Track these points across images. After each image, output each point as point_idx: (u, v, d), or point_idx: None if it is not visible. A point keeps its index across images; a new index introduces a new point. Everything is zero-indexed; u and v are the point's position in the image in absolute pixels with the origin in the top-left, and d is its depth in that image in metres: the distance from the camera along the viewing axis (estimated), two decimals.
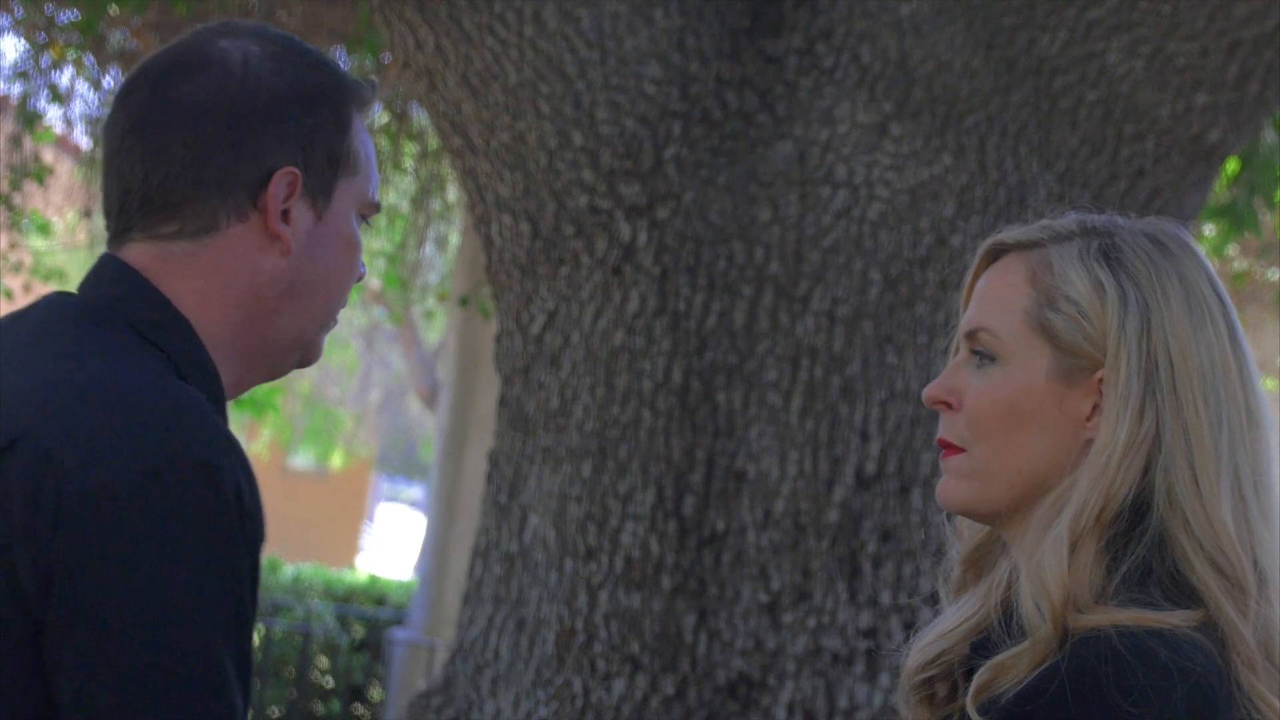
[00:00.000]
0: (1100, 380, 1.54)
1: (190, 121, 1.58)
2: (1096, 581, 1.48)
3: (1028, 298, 1.58)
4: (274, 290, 1.61)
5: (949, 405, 1.60)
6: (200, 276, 1.59)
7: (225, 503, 1.43)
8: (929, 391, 1.62)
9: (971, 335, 1.60)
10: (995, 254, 1.64)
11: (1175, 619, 1.44)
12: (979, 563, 1.64)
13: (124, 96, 1.64)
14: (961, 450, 1.59)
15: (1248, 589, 1.48)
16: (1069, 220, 1.62)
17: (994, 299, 1.60)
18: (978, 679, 1.50)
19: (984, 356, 1.59)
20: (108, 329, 1.55)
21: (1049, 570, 1.48)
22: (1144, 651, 1.40)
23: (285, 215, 1.60)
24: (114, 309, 1.57)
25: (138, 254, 1.61)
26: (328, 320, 1.69)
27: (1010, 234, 1.64)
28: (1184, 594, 1.47)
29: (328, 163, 1.63)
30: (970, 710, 1.48)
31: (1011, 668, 1.48)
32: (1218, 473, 1.50)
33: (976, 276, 1.65)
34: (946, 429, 1.60)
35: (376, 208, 1.70)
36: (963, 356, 1.61)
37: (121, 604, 1.39)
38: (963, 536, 1.67)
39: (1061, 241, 1.60)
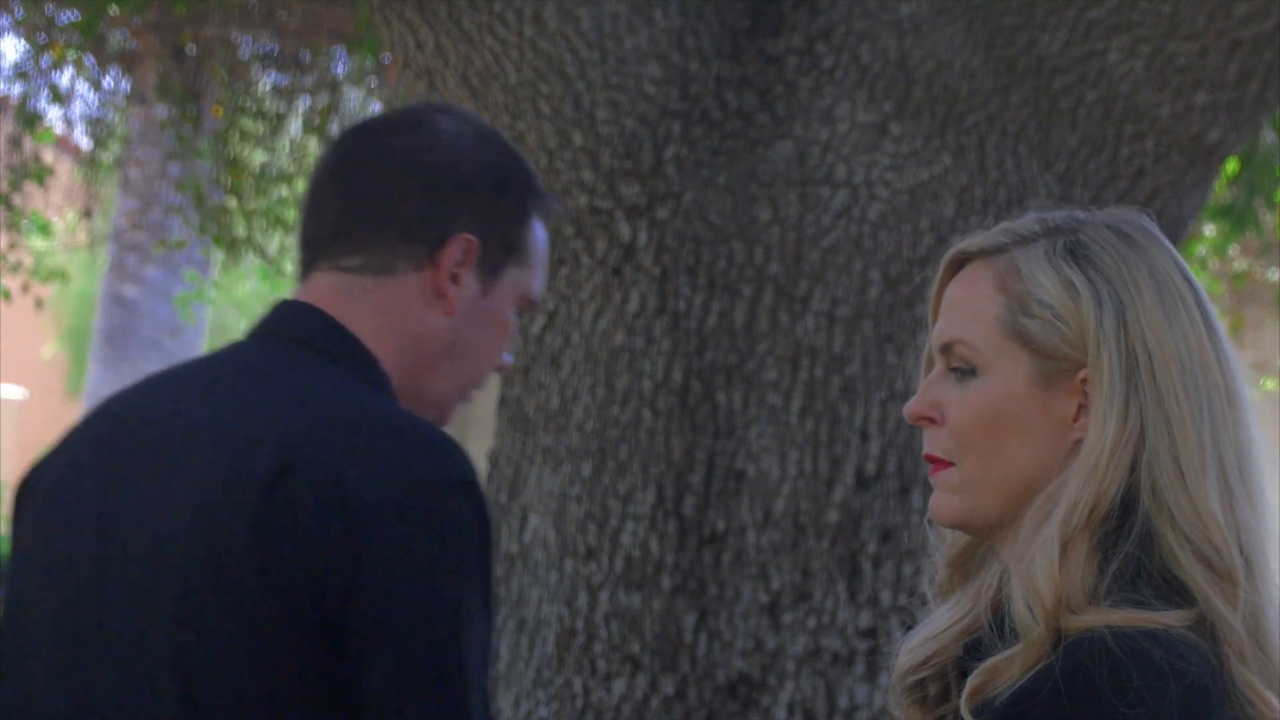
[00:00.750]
0: (1083, 380, 1.53)
1: (392, 169, 1.75)
2: (1089, 581, 1.47)
3: (999, 305, 1.57)
4: (435, 346, 1.75)
5: (932, 420, 1.59)
6: (376, 314, 1.74)
7: (484, 516, 1.62)
8: (911, 408, 1.60)
9: (947, 349, 1.59)
10: (959, 263, 1.63)
11: (1169, 619, 1.43)
12: (965, 565, 1.63)
13: (337, 144, 1.83)
14: (950, 464, 1.58)
15: (1236, 579, 1.47)
16: (1030, 221, 1.61)
17: (964, 309, 1.59)
18: (971, 682, 1.49)
19: (962, 369, 1.58)
20: (319, 362, 1.72)
21: (1040, 572, 1.48)
22: (1138, 652, 1.39)
23: (455, 279, 1.74)
24: (312, 344, 1.73)
25: (321, 285, 1.77)
26: (468, 391, 1.83)
27: (973, 241, 1.62)
28: (1175, 591, 1.47)
29: (503, 245, 1.78)
30: (964, 713, 1.48)
31: (1005, 670, 1.47)
32: (1203, 462, 1.49)
33: (942, 287, 1.64)
34: (932, 444, 1.59)
35: (534, 305, 1.87)
36: (940, 370, 1.60)
37: (414, 606, 1.57)
38: (945, 539, 1.66)
39: (1026, 244, 1.58)
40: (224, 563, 1.57)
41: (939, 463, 1.59)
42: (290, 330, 1.74)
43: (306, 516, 1.56)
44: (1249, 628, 1.47)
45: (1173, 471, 1.48)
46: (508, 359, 1.83)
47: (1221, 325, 1.57)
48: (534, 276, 1.83)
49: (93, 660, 1.61)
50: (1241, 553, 1.48)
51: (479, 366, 1.79)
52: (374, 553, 1.55)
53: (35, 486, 1.75)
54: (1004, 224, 1.62)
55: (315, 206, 1.78)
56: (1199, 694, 1.40)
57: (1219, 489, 1.49)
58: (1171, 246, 1.58)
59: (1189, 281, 1.55)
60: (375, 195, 1.74)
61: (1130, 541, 1.48)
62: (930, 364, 1.63)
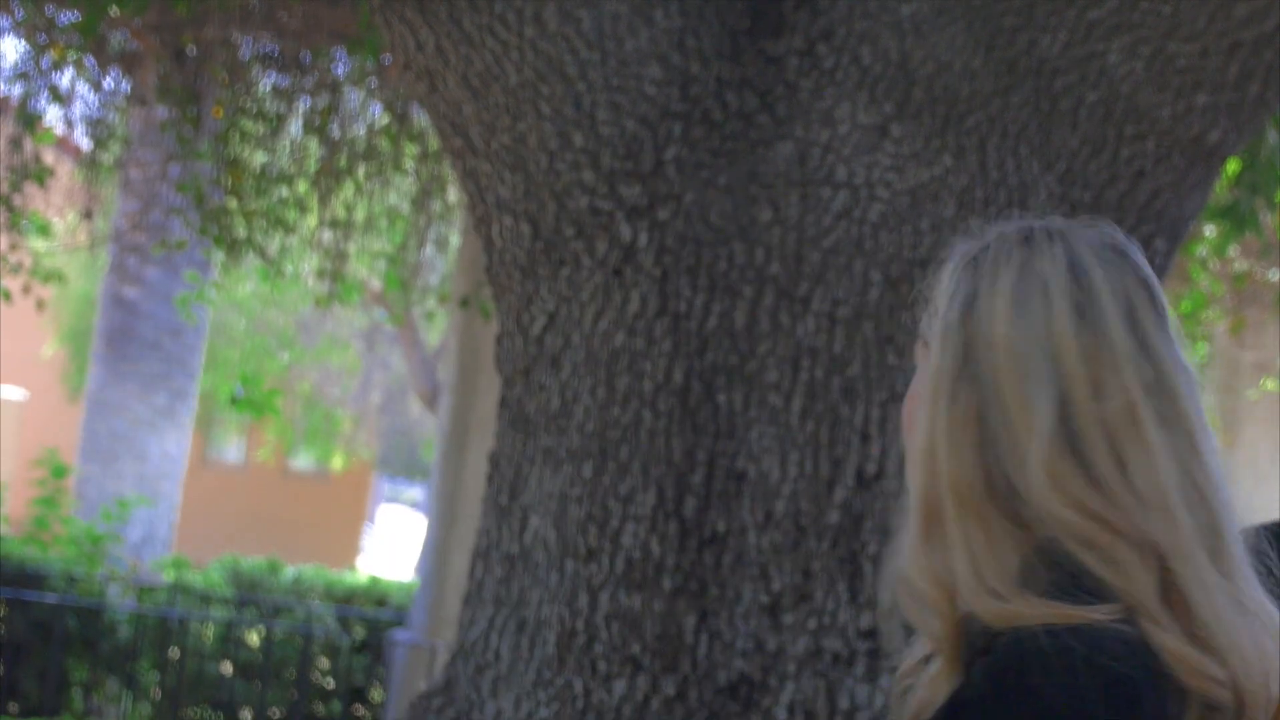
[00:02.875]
0: None
1: None
2: (995, 569, 1.48)
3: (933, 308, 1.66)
4: None
5: None
6: None
7: None
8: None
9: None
10: None
11: (1099, 613, 1.43)
12: None
13: None
14: None
15: (1118, 559, 1.47)
16: (1001, 225, 1.67)
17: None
18: (915, 700, 1.51)
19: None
20: None
21: (909, 568, 1.53)
22: (1063, 649, 1.40)
23: None
24: None
25: None
26: None
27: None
28: (1085, 575, 1.48)
29: None
30: None
31: (937, 680, 1.50)
32: (1051, 447, 1.50)
33: None
34: None
35: None
36: None
37: None
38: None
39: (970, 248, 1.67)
40: None
41: None
42: None
43: None
44: (1160, 595, 1.46)
45: (1012, 457, 1.51)
46: None
47: (1116, 323, 1.55)
48: None
49: None
50: (1118, 532, 1.48)
51: None
52: None
53: None
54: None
55: None
56: (1125, 688, 1.40)
57: (1077, 473, 1.50)
58: (1082, 250, 1.58)
59: (1078, 279, 1.56)
60: None
61: (1006, 527, 1.51)
62: None
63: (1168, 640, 1.43)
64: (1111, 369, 1.51)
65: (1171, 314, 1.58)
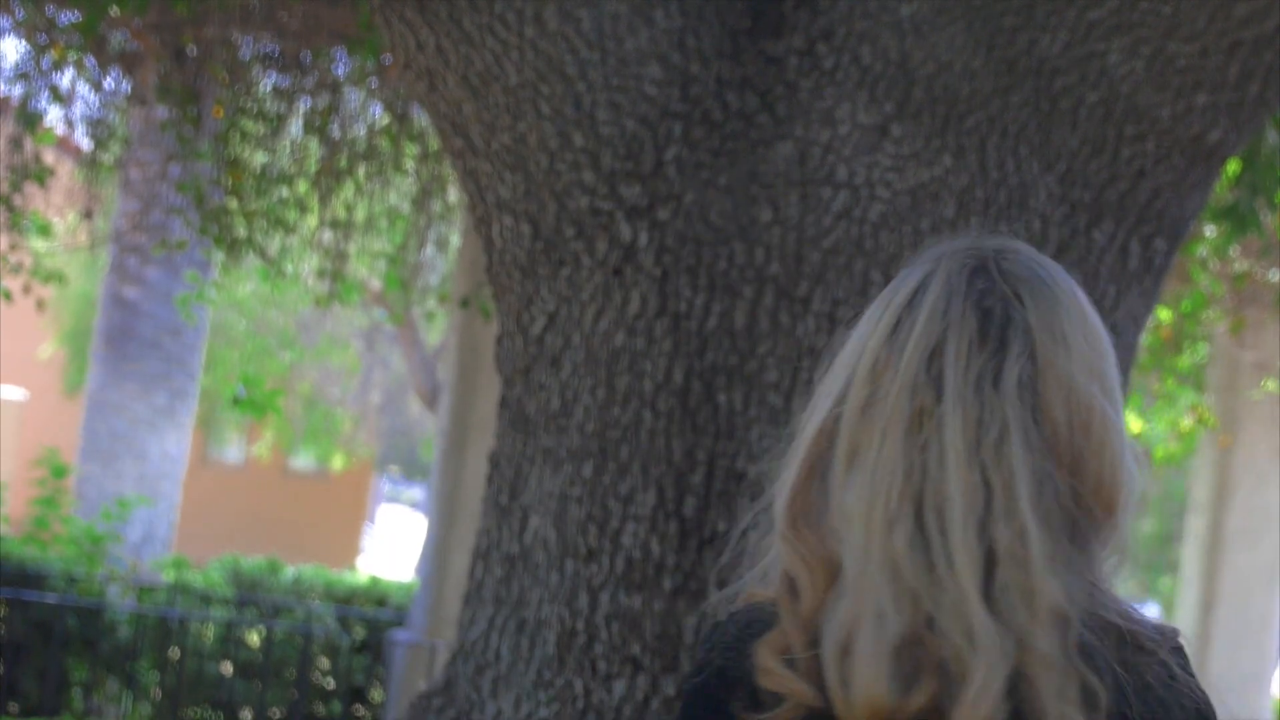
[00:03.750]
0: None
1: None
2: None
3: None
4: None
5: None
6: None
7: None
8: None
9: None
10: None
11: (772, 594, 1.52)
12: None
13: None
14: None
15: (794, 571, 1.53)
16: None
17: None
18: None
19: None
20: None
21: None
22: (716, 627, 1.52)
23: None
24: None
25: None
26: None
27: None
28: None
29: None
30: None
31: None
32: (803, 458, 1.56)
33: None
34: None
35: None
36: None
37: None
38: None
39: None
40: None
41: None
42: None
43: None
44: (808, 614, 1.49)
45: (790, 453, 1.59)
46: None
47: (914, 348, 1.53)
48: None
49: None
50: (795, 546, 1.52)
51: None
52: None
53: None
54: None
55: None
56: (725, 668, 1.49)
57: (812, 485, 1.54)
58: (945, 274, 1.57)
59: (912, 302, 1.56)
60: None
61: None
62: None
63: (763, 653, 1.47)
64: (887, 389, 1.52)
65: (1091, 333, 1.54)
